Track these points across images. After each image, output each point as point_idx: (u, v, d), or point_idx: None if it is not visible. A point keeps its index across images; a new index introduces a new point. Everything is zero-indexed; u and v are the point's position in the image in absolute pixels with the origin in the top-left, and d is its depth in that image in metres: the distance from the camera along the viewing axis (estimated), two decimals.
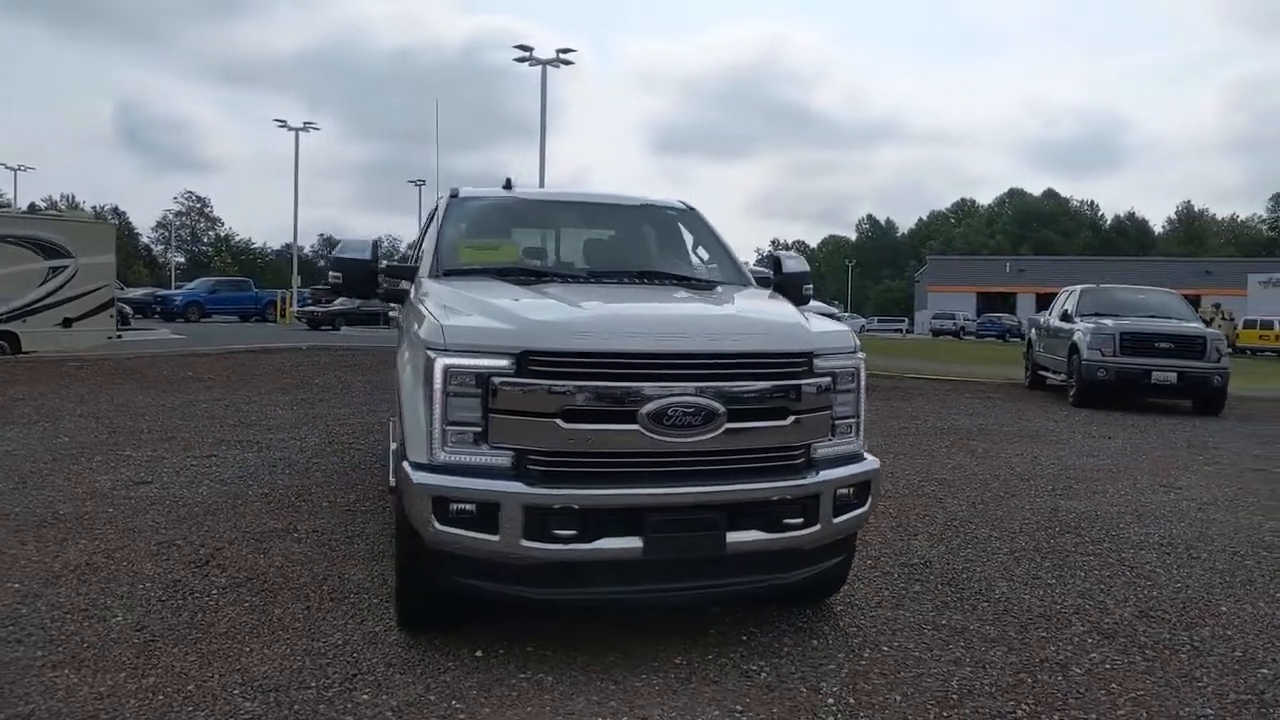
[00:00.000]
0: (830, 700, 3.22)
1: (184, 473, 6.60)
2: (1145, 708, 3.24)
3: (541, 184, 28.57)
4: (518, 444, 3.19)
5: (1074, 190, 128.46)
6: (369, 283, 4.54)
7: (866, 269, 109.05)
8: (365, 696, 3.16)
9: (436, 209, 4.94)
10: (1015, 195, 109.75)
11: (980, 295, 69.82)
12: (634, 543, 3.19)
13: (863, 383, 3.70)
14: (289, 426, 8.81)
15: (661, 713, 3.10)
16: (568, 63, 28.52)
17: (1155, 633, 3.96)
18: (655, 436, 3.19)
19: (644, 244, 4.93)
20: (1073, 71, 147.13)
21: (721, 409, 3.25)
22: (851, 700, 3.23)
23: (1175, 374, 12.10)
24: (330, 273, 4.56)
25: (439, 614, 3.63)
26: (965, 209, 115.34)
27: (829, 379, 3.50)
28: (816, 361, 3.50)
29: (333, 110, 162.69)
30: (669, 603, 3.61)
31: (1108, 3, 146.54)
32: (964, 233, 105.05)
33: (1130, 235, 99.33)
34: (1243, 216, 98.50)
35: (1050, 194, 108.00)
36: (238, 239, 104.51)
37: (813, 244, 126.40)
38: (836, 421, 3.56)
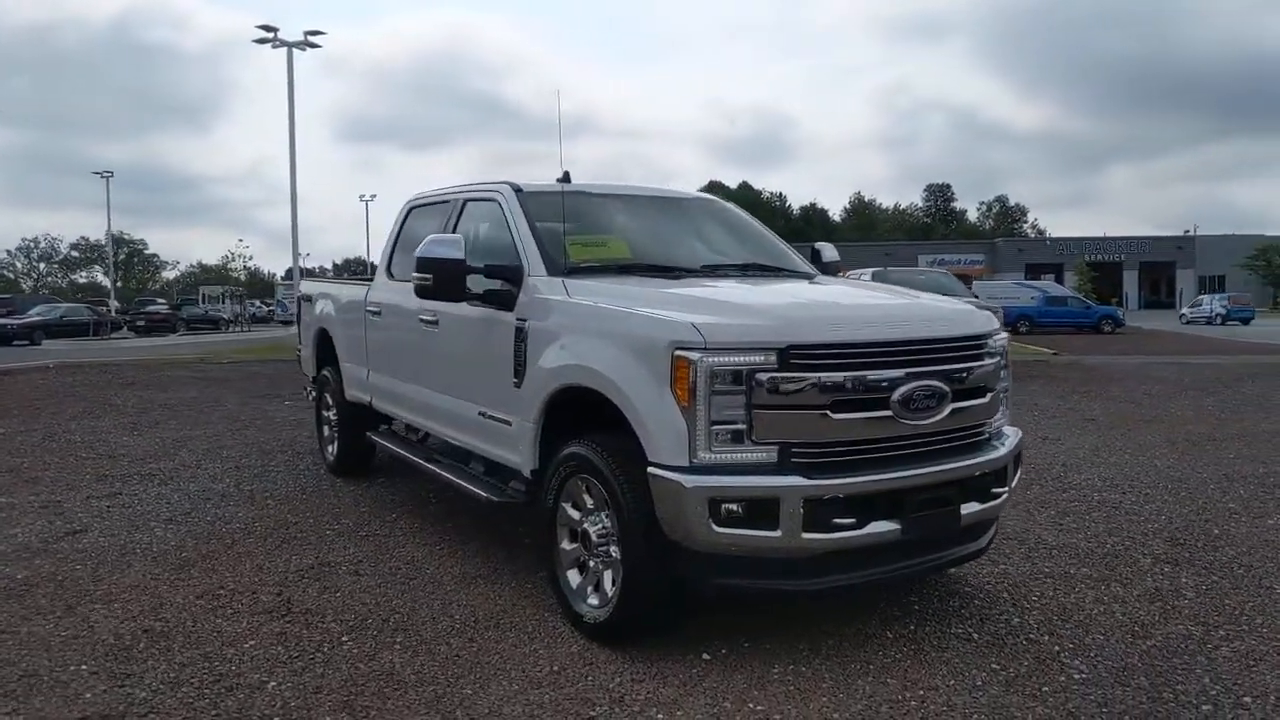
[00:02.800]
0: (1055, 648, 3.53)
1: (107, 516, 5.61)
2: (1267, 614, 3.88)
3: (293, 174, 26.52)
4: (783, 438, 3.18)
5: (762, 183, 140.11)
6: (461, 283, 4.18)
7: None
8: (664, 717, 3.00)
9: (494, 203, 4.62)
10: (715, 188, 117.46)
11: None
12: (893, 525, 3.29)
13: (1009, 358, 4.04)
14: (162, 455, 7.67)
15: (943, 681, 3.25)
16: (315, 45, 26.58)
17: (1201, 556, 4.69)
18: (904, 421, 3.32)
19: (727, 236, 4.94)
20: (745, 74, 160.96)
21: (948, 390, 3.44)
22: (1070, 645, 3.56)
23: None
24: (416, 273, 4.13)
25: (666, 622, 3.50)
26: None
27: (999, 357, 3.81)
28: (988, 342, 3.79)
29: None
30: (907, 578, 3.76)
31: (772, 13, 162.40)
32: None
33: (816, 223, 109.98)
34: (904, 205, 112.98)
35: (745, 186, 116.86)
36: None
37: None
38: (1001, 395, 3.88)
